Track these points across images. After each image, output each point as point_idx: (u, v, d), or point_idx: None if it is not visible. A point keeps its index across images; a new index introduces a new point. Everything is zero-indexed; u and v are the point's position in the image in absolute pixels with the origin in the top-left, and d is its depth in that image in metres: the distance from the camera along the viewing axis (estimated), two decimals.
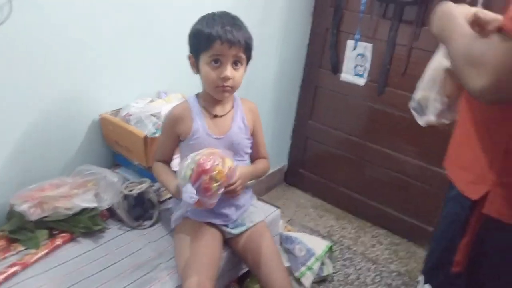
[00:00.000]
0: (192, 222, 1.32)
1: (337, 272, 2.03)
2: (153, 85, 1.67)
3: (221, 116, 1.32)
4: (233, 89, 1.26)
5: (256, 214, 1.43)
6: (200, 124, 1.28)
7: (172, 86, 1.71)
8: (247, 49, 1.24)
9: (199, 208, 1.19)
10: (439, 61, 0.99)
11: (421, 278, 1.05)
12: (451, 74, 0.94)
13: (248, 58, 1.27)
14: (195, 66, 1.26)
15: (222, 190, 1.17)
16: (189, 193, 1.11)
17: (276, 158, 2.62)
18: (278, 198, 2.59)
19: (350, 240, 2.28)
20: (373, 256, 2.18)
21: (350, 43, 2.19)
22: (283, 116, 2.52)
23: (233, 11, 1.25)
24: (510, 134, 0.81)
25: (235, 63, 1.22)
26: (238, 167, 1.25)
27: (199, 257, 1.21)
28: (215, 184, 1.14)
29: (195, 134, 1.28)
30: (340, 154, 2.45)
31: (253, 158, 1.43)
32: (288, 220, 2.37)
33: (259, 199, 1.68)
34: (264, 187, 2.58)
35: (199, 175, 1.12)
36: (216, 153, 1.18)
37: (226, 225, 1.36)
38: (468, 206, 0.87)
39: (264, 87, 2.28)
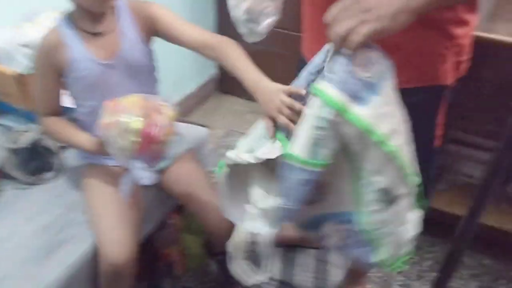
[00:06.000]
0: (100, 168, 1.13)
1: None
2: (18, 5, 1.29)
3: (104, 33, 1.03)
4: None
5: (179, 143, 1.25)
6: (77, 49, 1.01)
7: (44, 1, 1.31)
8: None
9: None
10: None
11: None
12: None
13: None
14: None
15: None
16: (143, 177, 0.96)
17: (204, 67, 2.39)
18: (214, 109, 2.41)
19: None
20: None
21: None
22: (201, 13, 2.20)
23: None
24: None
25: None
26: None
27: (111, 210, 1.04)
28: (164, 146, 0.96)
29: (75, 63, 1.01)
30: (274, 51, 2.22)
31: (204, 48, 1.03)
32: (227, 132, 2.22)
33: (182, 121, 1.49)
34: (194, 102, 2.37)
35: (148, 146, 0.91)
36: (145, 104, 0.93)
37: None
38: None
39: None
